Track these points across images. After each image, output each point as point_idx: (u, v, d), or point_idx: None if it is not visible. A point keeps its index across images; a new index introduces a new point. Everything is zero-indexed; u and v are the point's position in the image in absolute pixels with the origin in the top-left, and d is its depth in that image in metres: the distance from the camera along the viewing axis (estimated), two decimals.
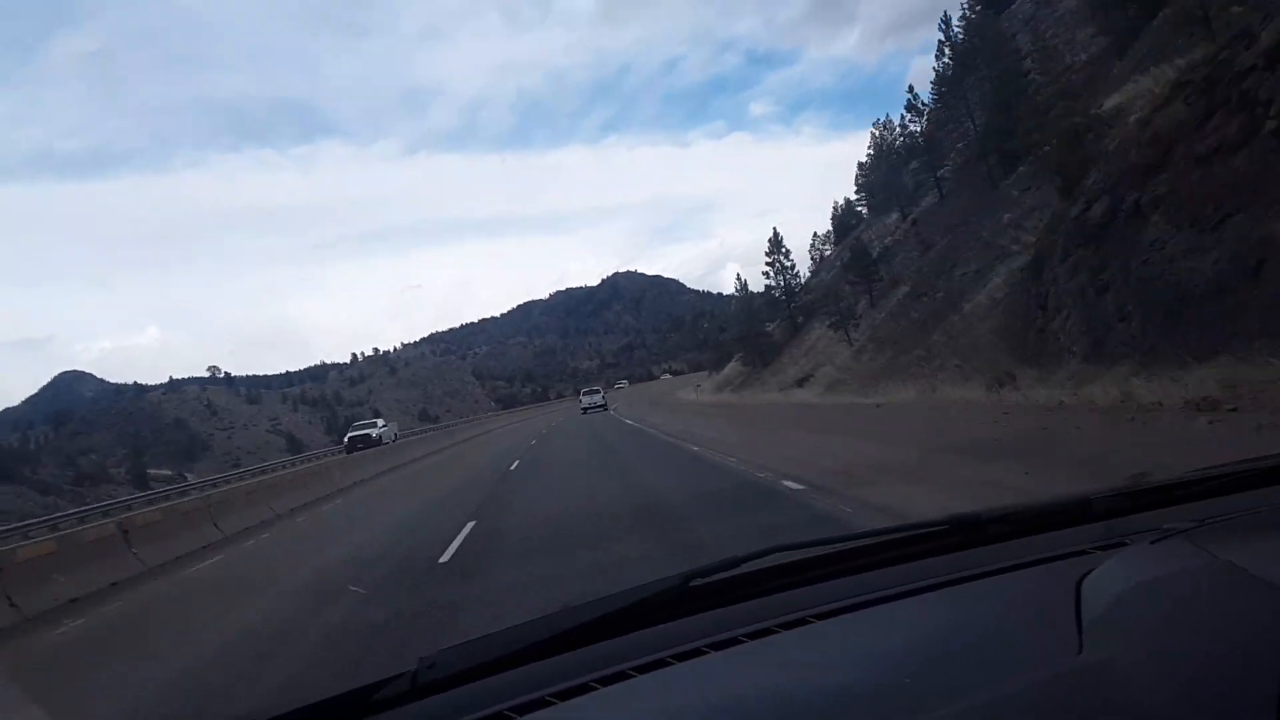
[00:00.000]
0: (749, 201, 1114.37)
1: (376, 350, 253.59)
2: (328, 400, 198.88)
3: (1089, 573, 0.79)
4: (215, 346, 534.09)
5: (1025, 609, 0.89)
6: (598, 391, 55.28)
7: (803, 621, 0.95)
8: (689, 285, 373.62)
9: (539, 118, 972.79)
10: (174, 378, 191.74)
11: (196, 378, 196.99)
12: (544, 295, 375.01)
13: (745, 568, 1.08)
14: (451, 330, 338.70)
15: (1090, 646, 0.66)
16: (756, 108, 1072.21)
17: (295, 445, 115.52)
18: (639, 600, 1.00)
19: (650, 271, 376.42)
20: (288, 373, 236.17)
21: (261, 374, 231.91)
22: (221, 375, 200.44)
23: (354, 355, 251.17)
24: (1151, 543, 0.80)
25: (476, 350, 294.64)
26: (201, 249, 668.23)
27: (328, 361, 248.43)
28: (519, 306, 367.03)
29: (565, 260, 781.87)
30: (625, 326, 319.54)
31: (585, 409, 49.45)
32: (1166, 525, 0.89)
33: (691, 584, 1.04)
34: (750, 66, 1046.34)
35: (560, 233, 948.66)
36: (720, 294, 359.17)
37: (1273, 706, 0.45)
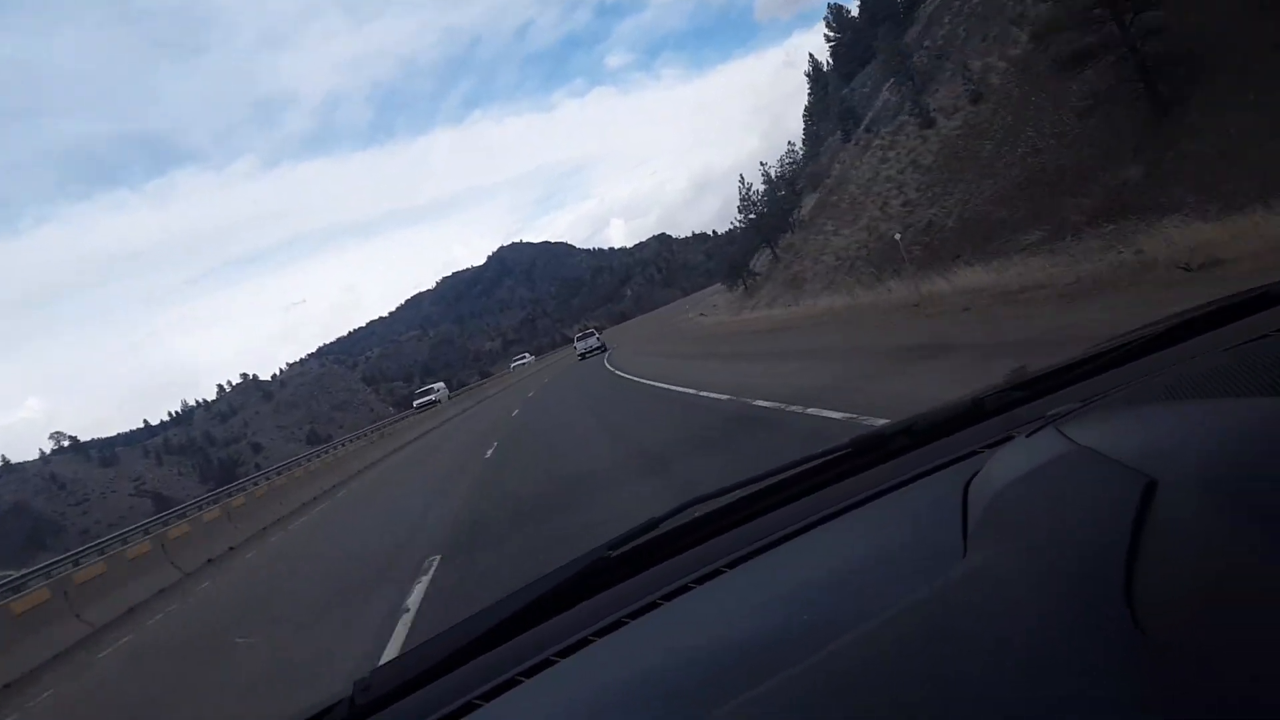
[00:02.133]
0: (624, 154, 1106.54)
1: (246, 377, 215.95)
2: (198, 444, 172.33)
3: (977, 474, 0.77)
4: (83, 413, 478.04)
5: (920, 520, 0.88)
6: (592, 334, 50.69)
7: (716, 573, 0.95)
8: (579, 246, 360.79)
9: (398, 107, 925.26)
10: (8, 459, 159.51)
11: (42, 454, 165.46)
12: (431, 285, 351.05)
13: (663, 527, 1.07)
14: (339, 340, 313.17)
15: (971, 550, 0.65)
16: (613, 59, 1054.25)
17: (165, 504, 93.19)
18: (561, 582, 0.99)
19: (537, 240, 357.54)
20: (146, 425, 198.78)
21: (125, 431, 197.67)
22: (67, 443, 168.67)
23: (220, 387, 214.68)
24: (1027, 436, 0.76)
25: (369, 354, 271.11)
26: (63, 310, 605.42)
27: (191, 401, 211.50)
28: (407, 301, 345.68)
29: (450, 246, 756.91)
30: (521, 299, 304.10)
31: (582, 355, 45.60)
32: (1050, 413, 0.83)
33: (613, 554, 1.02)
34: (600, 19, 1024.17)
35: (441, 219, 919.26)
36: (611, 249, 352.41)
37: (1120, 588, 0.45)
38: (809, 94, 56.65)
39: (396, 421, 36.53)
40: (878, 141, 29.94)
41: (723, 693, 0.62)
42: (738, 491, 1.12)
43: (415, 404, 48.14)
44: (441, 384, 56.03)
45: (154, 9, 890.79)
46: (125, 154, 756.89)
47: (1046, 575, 0.53)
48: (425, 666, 0.92)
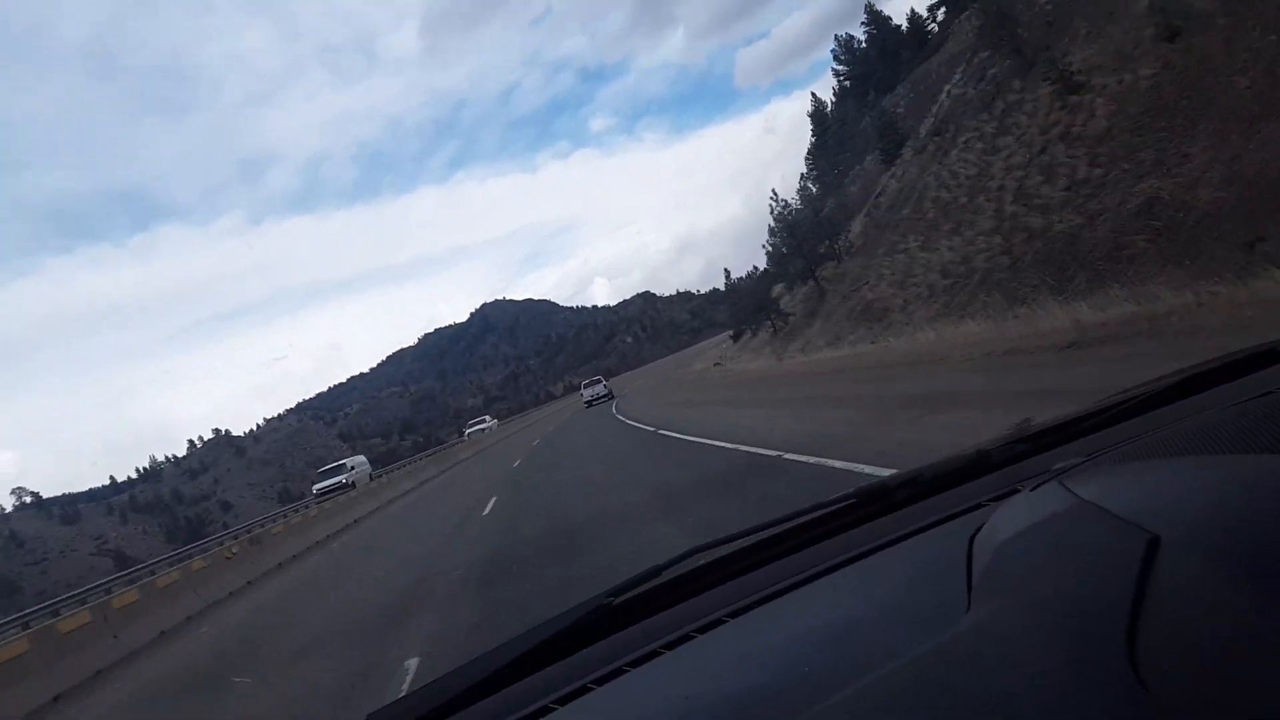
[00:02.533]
0: (608, 215, 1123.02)
1: (219, 432, 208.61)
2: (165, 502, 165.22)
3: (981, 527, 0.78)
4: (55, 469, 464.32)
5: (923, 574, 0.87)
6: (599, 381, 51.06)
7: (718, 622, 0.94)
8: (562, 304, 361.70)
9: (383, 166, 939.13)
10: None
11: (1, 510, 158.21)
12: (413, 341, 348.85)
13: (666, 575, 1.06)
14: (320, 395, 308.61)
15: (976, 605, 0.66)
16: (597, 123, 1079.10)
17: (126, 565, 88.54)
18: (563, 628, 0.99)
19: (520, 297, 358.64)
20: (113, 481, 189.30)
21: (91, 487, 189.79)
22: (29, 499, 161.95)
23: (191, 443, 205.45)
24: (1031, 490, 0.77)
25: (348, 410, 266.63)
26: (39, 363, 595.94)
27: (160, 457, 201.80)
28: (389, 357, 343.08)
29: (434, 303, 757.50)
30: (504, 356, 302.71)
31: (588, 402, 45.80)
32: (1055, 467, 0.86)
33: (615, 601, 1.02)
34: (584, 83, 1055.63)
35: (424, 277, 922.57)
36: (595, 306, 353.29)
37: (1123, 645, 0.45)
38: (812, 134, 57.23)
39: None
40: (968, 136, 24.61)
41: None
42: (741, 540, 1.11)
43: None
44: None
45: (140, 66, 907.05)
46: (108, 209, 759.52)
47: (1050, 631, 0.53)
48: (428, 709, 0.91)
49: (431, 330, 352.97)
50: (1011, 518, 0.71)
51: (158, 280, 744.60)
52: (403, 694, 3.58)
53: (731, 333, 50.08)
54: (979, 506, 0.99)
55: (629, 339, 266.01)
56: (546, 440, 25.40)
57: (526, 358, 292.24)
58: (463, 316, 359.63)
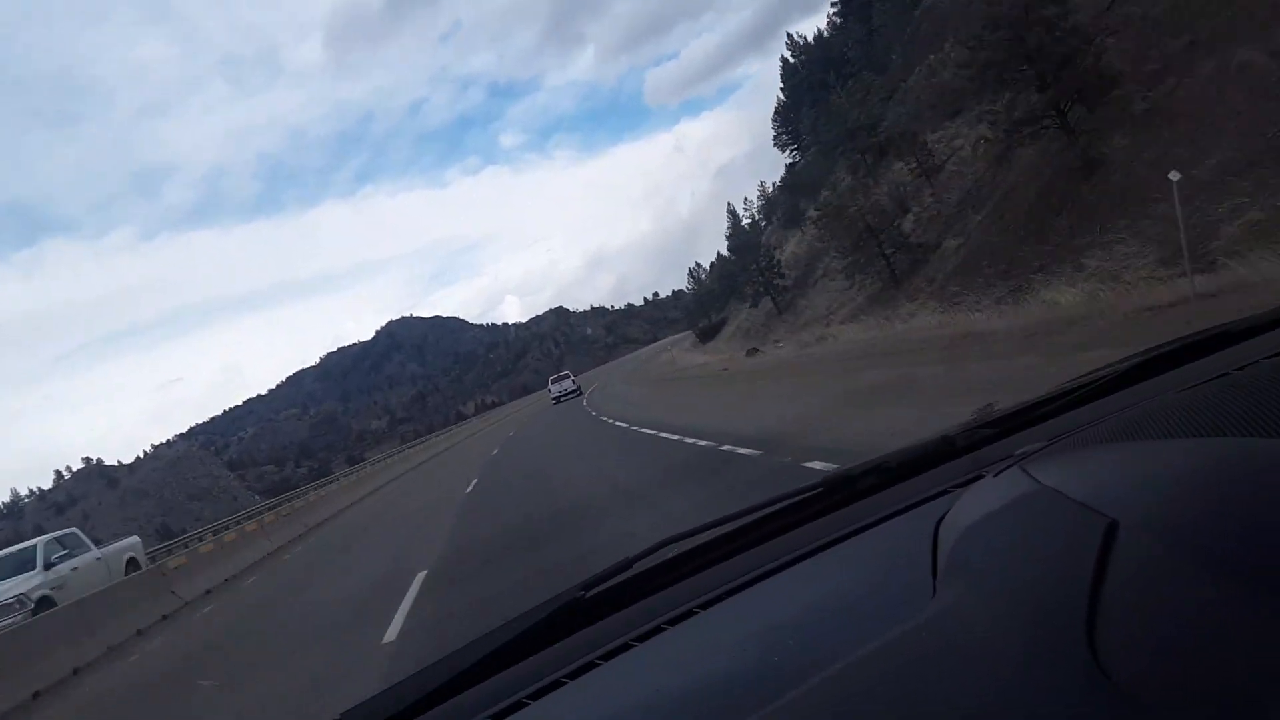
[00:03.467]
0: (518, 232, 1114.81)
1: (89, 461, 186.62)
2: (25, 539, 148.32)
3: (946, 514, 0.77)
4: None
5: (891, 561, 0.89)
6: (567, 376, 48.08)
7: (689, 614, 0.95)
8: (472, 321, 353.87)
9: (286, 179, 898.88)
10: None
11: None
12: (315, 361, 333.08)
13: (637, 568, 1.07)
14: (214, 419, 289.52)
15: (940, 591, 0.66)
16: (507, 139, 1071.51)
17: None
18: (535, 623, 0.99)
19: (428, 315, 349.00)
20: None
21: None
22: None
23: (58, 473, 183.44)
24: (994, 475, 0.77)
25: (242, 435, 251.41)
26: None
27: (21, 491, 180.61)
28: (288, 379, 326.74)
29: (338, 321, 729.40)
30: (411, 375, 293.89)
31: (556, 398, 43.73)
32: (1018, 452, 0.86)
33: (587, 595, 1.03)
34: (494, 100, 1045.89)
35: (328, 294, 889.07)
36: (505, 324, 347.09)
37: (1083, 631, 0.46)
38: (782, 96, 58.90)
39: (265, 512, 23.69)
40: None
41: None
42: (711, 531, 1.11)
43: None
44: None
45: (27, 75, 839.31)
46: None
47: (1011, 618, 0.53)
48: (400, 707, 0.91)
49: (335, 349, 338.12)
50: (975, 504, 0.71)
51: (44, 297, 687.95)
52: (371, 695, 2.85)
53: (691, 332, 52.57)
54: (944, 493, 0.99)
55: (540, 356, 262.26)
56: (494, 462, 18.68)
57: (435, 376, 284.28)
58: (368, 334, 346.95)
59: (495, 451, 22.42)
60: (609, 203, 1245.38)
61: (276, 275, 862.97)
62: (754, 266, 36.64)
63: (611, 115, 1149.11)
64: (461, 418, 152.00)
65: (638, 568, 1.07)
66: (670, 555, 1.09)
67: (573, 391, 44.18)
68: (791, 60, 61.29)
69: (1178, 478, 0.52)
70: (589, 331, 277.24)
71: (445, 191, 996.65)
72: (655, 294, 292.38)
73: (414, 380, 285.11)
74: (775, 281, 36.08)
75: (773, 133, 62.98)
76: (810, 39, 60.34)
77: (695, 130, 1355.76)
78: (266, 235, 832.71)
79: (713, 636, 0.89)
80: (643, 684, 0.83)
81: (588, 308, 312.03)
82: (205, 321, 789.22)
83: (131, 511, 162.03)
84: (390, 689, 0.97)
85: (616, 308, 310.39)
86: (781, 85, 61.35)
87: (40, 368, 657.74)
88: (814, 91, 54.23)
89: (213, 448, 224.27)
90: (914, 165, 25.43)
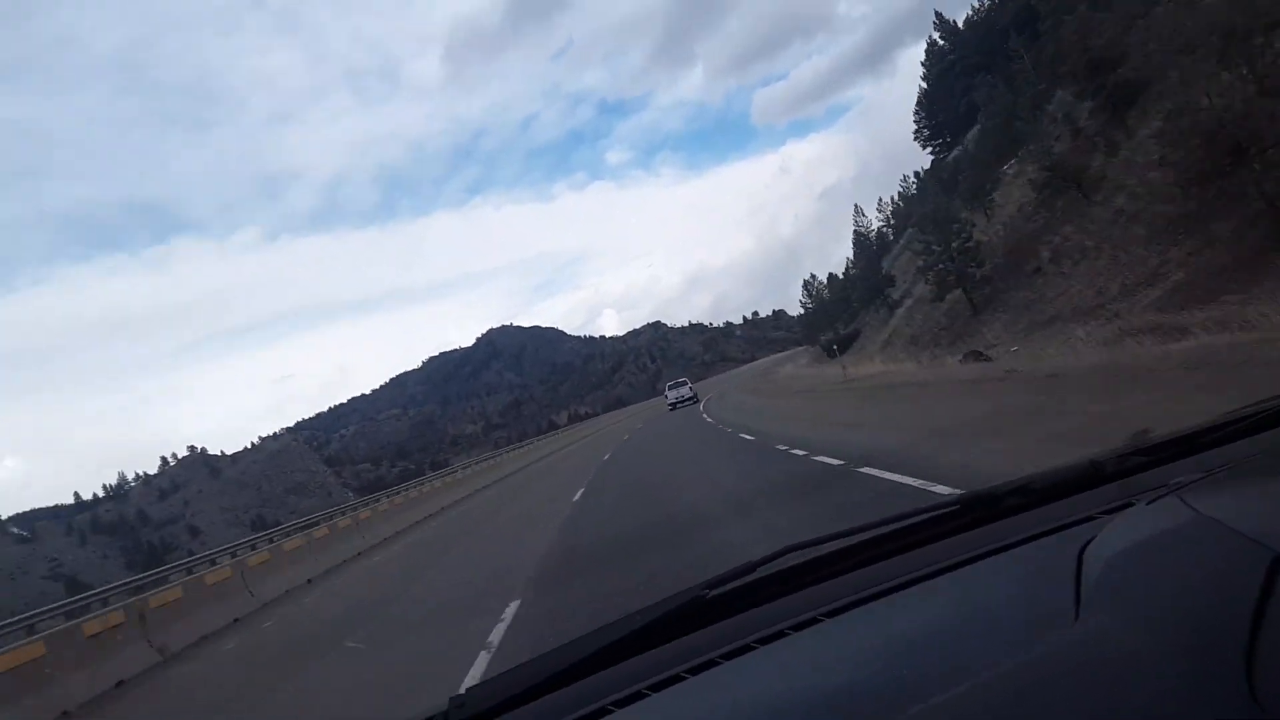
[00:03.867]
0: (620, 247, 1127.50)
1: (193, 449, 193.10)
2: (129, 523, 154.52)
3: (1092, 539, 0.79)
4: (56, 482, 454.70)
5: (1030, 583, 0.88)
6: (684, 383, 47.52)
7: (813, 621, 0.96)
8: (570, 333, 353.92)
9: (402, 189, 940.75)
10: None
11: None
12: (417, 365, 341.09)
13: (761, 571, 1.08)
14: (320, 415, 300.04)
15: (1085, 616, 0.65)
16: (614, 155, 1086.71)
17: (77, 590, 79.64)
18: (658, 617, 1.00)
19: (528, 324, 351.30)
20: (77, 498, 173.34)
21: (59, 504, 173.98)
22: None
23: (163, 460, 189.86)
24: (1148, 504, 0.78)
25: (344, 432, 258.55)
26: (51, 371, 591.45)
27: (130, 475, 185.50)
28: (392, 380, 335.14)
29: (442, 327, 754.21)
30: (508, 384, 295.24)
31: (672, 405, 42.99)
32: (1173, 481, 0.86)
33: (710, 594, 1.04)
34: (603, 116, 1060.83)
35: (434, 300, 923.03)
36: (602, 336, 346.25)
37: (1241, 663, 0.45)
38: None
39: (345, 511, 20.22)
40: None
41: None
42: (838, 541, 1.11)
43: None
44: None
45: (165, 81, 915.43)
46: (128, 220, 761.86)
47: (1164, 646, 0.52)
48: (521, 689, 0.93)
49: (436, 354, 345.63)
50: (1127, 531, 0.70)
51: (171, 293, 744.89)
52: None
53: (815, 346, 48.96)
54: (1090, 518, 0.97)
55: (635, 370, 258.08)
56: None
57: (530, 386, 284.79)
58: (469, 341, 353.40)
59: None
60: (711, 222, 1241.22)
61: (387, 280, 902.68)
62: (938, 249, 27.70)
63: (718, 134, 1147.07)
64: (554, 426, 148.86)
65: (760, 572, 1.05)
66: (794, 562, 1.07)
67: (689, 399, 43.34)
68: (941, 42, 53.89)
69: None
70: (689, 347, 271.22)
71: (551, 205, 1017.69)
72: (755, 313, 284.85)
73: (511, 388, 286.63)
74: (969, 269, 27.07)
75: (913, 126, 55.82)
76: (960, 23, 53.05)
77: (801, 151, 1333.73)
78: (379, 242, 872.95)
79: (838, 645, 0.87)
80: (764, 685, 0.82)
81: (685, 324, 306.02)
82: (319, 322, 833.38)
83: (230, 501, 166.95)
84: (511, 671, 0.96)
85: (714, 325, 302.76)
86: (924, 73, 54.50)
87: (160, 359, 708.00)
88: (967, 76, 47.34)
89: (314, 443, 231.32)
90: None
